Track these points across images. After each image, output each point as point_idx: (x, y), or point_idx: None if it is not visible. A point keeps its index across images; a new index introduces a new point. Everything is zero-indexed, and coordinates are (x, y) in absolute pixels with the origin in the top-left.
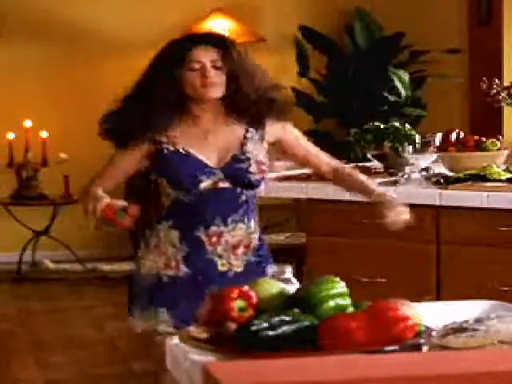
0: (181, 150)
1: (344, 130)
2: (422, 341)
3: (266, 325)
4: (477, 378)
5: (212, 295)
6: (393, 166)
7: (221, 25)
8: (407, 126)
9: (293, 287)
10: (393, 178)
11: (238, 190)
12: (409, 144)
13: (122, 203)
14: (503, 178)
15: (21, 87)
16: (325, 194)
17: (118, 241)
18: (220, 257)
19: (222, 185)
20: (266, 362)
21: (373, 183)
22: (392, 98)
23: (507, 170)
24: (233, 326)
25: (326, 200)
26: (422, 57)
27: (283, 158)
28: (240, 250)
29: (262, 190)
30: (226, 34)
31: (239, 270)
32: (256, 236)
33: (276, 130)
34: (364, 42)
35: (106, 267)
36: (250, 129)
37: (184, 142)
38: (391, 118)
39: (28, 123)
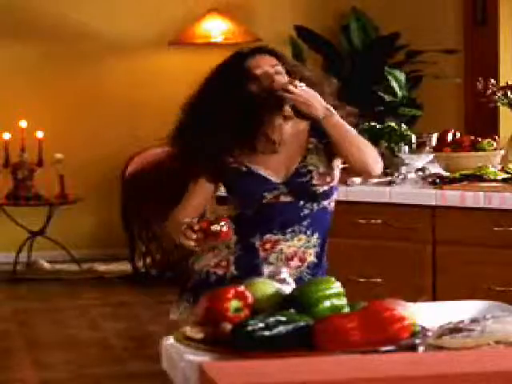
0: (243, 168)
1: None
2: (418, 341)
3: (261, 325)
4: (472, 378)
5: (208, 295)
6: (389, 166)
7: (217, 25)
8: (403, 126)
9: (288, 287)
10: (389, 178)
11: (301, 203)
12: (405, 144)
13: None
14: (499, 178)
15: (16, 87)
16: None
17: (113, 241)
18: (270, 264)
19: (283, 199)
20: (261, 363)
21: None
22: (388, 98)
23: (503, 170)
24: (228, 326)
25: None
26: (418, 57)
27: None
28: (294, 263)
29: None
30: (222, 33)
31: None
32: (314, 251)
33: None
34: (360, 42)
35: (101, 267)
36: (311, 139)
37: (247, 158)
38: (387, 117)
39: (23, 123)
